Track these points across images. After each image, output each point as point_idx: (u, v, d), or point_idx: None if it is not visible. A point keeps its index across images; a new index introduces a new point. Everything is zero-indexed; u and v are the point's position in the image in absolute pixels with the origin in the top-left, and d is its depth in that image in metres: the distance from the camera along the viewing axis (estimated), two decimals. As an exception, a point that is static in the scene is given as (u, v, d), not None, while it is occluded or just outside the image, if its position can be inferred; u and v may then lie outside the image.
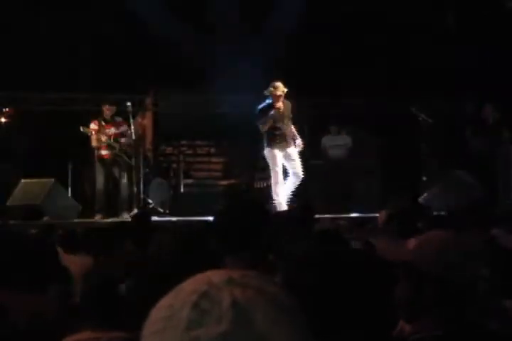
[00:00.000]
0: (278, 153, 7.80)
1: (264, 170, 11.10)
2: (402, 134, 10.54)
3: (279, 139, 7.78)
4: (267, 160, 7.90)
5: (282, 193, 7.80)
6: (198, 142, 11.78)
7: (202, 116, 10.86)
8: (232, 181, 10.92)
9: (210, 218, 5.74)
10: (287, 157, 7.84)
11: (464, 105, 10.55)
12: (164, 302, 0.88)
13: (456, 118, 10.44)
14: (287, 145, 7.81)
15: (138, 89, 10.30)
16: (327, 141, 10.15)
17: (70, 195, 9.09)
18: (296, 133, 7.96)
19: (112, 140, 8.72)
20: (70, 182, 9.26)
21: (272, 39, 10.16)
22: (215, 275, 0.91)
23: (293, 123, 7.97)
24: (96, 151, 8.74)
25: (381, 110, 10.86)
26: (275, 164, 7.79)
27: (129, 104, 8.79)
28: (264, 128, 7.74)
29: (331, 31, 10.63)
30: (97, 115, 8.84)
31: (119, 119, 8.93)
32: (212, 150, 11.82)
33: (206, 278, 0.90)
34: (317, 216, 7.56)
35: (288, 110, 7.84)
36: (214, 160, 11.74)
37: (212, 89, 10.37)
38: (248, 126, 8.25)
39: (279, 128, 7.76)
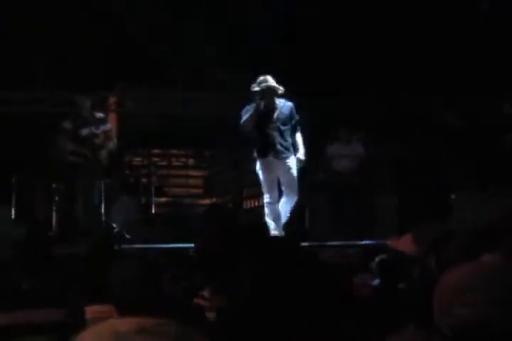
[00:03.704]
0: (271, 165, 7.78)
1: (254, 186, 11.10)
2: (424, 141, 10.53)
3: (270, 147, 7.75)
4: (258, 173, 7.87)
5: (278, 216, 7.77)
6: (174, 151, 11.75)
7: (178, 118, 10.83)
8: (216, 200, 10.87)
9: (189, 245, 5.69)
10: (281, 171, 7.80)
11: (500, 106, 10.58)
12: None
13: (491, 122, 10.46)
14: (282, 156, 7.78)
15: (99, 86, 10.26)
16: (335, 149, 10.01)
17: (13, 217, 8.98)
18: (299, 142, 7.92)
19: (85, 144, 8.59)
20: (13, 202, 9.15)
21: (264, 29, 10.22)
22: (122, 324, 0.92)
23: (297, 130, 7.94)
24: (61, 159, 8.62)
25: (398, 112, 10.87)
26: (267, 179, 7.77)
27: (88, 103, 8.72)
28: (245, 128, 7.71)
29: (340, 17, 10.69)
30: (52, 116, 8.76)
31: (100, 115, 8.77)
32: (191, 161, 11.79)
33: (111, 328, 0.90)
34: (320, 243, 7.60)
35: (284, 112, 7.81)
36: (193, 173, 11.71)
37: (192, 87, 10.36)
38: (235, 131, 8.24)
39: (269, 134, 7.74)
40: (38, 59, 10.72)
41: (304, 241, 7.08)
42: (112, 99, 10.80)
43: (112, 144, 8.72)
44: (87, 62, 10.29)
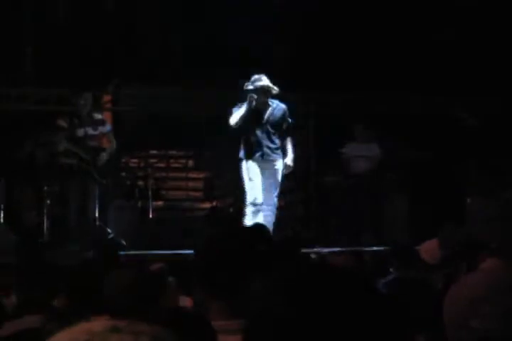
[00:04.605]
0: (258, 167, 7.77)
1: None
2: (441, 142, 10.49)
3: (256, 148, 7.75)
4: (242, 174, 7.85)
5: (260, 219, 7.70)
6: (172, 152, 11.68)
7: (177, 118, 10.76)
8: (216, 203, 10.79)
9: (189, 252, 5.54)
10: (266, 172, 7.78)
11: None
12: None
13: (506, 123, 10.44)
14: (269, 159, 7.77)
15: (93, 83, 10.18)
16: (352, 150, 9.92)
17: (2, 221, 8.90)
18: (289, 147, 7.93)
19: (80, 145, 8.46)
20: (2, 205, 9.06)
21: (264, 28, 10.22)
22: (96, 324, 1.00)
23: (288, 134, 7.93)
24: (57, 159, 8.56)
25: (413, 111, 10.81)
26: (250, 180, 7.74)
27: (82, 101, 8.61)
28: (234, 127, 7.75)
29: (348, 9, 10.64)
30: (44, 114, 8.70)
31: (98, 116, 8.74)
32: (191, 162, 11.72)
33: (85, 328, 0.99)
34: (328, 250, 7.54)
35: (276, 114, 7.82)
36: (193, 175, 11.64)
37: (191, 84, 10.28)
38: (237, 131, 8.22)
39: (257, 135, 7.75)
40: (29, 55, 10.67)
41: (303, 245, 7.07)
42: (106, 97, 10.74)
43: (111, 147, 8.68)
44: (83, 60, 10.24)
